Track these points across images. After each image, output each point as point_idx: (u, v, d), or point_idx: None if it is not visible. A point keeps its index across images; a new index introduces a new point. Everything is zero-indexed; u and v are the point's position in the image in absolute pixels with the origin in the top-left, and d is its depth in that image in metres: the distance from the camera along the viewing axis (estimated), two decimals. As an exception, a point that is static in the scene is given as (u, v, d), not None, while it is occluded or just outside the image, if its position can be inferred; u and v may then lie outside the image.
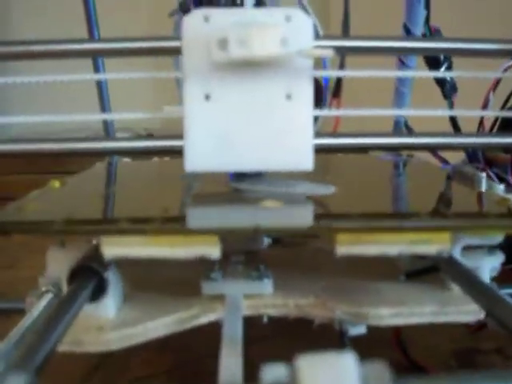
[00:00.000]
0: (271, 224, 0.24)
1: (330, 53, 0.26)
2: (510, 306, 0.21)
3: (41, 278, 0.27)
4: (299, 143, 0.27)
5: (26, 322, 0.23)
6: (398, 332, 0.32)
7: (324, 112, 0.28)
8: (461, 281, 0.25)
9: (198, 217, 0.27)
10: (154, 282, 0.29)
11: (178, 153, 0.27)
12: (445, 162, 0.43)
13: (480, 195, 0.30)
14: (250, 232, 0.22)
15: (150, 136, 1.03)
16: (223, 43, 0.25)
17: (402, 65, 0.46)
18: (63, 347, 0.23)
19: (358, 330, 0.28)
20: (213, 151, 0.27)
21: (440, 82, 0.44)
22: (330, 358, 0.15)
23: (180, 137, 0.27)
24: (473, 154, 0.45)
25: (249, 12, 0.27)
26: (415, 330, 0.34)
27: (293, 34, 0.26)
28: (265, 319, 0.28)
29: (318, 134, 0.27)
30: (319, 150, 0.27)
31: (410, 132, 0.47)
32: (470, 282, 0.24)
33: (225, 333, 0.23)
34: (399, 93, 0.47)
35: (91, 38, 0.44)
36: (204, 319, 0.27)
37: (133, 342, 0.25)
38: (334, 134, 0.29)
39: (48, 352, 0.18)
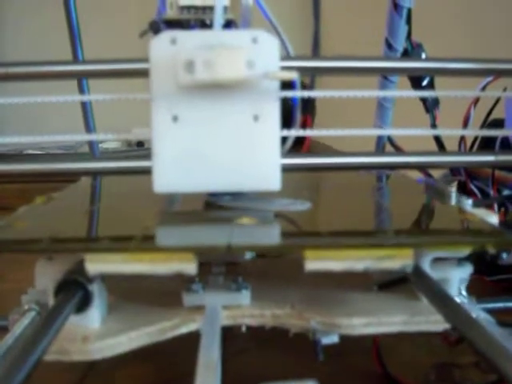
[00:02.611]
0: (243, 242, 0.25)
1: (294, 75, 0.27)
2: (470, 317, 0.23)
3: (23, 295, 0.28)
4: (267, 163, 0.28)
5: (8, 340, 0.24)
6: (377, 346, 0.33)
7: (292, 132, 0.29)
8: (427, 292, 0.26)
9: (174, 234, 0.28)
10: (137, 293, 0.31)
11: (148, 173, 0.28)
12: (428, 175, 0.44)
13: (448, 210, 0.32)
14: (223, 250, 0.23)
15: (139, 144, 1.02)
16: (189, 66, 0.26)
17: (385, 80, 0.48)
18: (50, 356, 0.25)
19: (331, 339, 0.29)
20: (181, 172, 0.28)
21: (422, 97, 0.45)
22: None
23: (148, 157, 0.28)
24: (455, 167, 0.46)
25: (216, 34, 0.28)
26: (394, 344, 0.35)
27: (259, 55, 0.27)
28: (243, 329, 0.30)
29: (286, 154, 0.28)
30: (288, 170, 0.28)
31: (395, 148, 0.48)
32: (435, 294, 0.25)
33: (203, 342, 0.24)
34: (382, 108, 0.48)
35: (76, 56, 0.45)
36: (184, 329, 0.28)
37: (116, 351, 0.27)
38: (302, 154, 0.30)
39: (35, 362, 0.20)
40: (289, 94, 0.28)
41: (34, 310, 0.28)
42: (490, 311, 0.29)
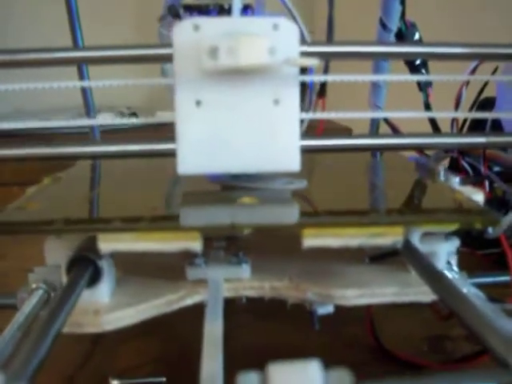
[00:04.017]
0: (246, 221, 0.27)
1: (315, 62, 0.27)
2: (457, 289, 0.24)
3: (31, 274, 0.29)
4: (287, 145, 0.29)
5: (19, 318, 0.26)
6: (371, 319, 0.35)
7: (309, 115, 0.31)
8: (416, 266, 0.28)
9: (181, 214, 0.29)
10: (143, 266, 0.32)
11: (170, 155, 0.29)
12: (421, 152, 0.46)
13: (437, 188, 0.33)
14: (228, 229, 0.25)
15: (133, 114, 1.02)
16: (213, 52, 0.26)
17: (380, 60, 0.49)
18: (65, 329, 0.26)
19: (326, 309, 0.31)
20: (204, 155, 0.29)
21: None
22: (297, 366, 0.17)
23: (172, 140, 0.29)
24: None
25: (238, 21, 0.28)
26: (388, 317, 0.37)
27: (280, 42, 0.27)
28: (243, 300, 0.32)
29: (304, 136, 0.29)
30: (306, 151, 0.29)
31: (390, 127, 0.49)
32: (424, 268, 0.27)
33: (208, 312, 0.26)
34: (376, 87, 0.49)
35: (76, 45, 0.45)
36: (190, 301, 0.30)
37: (126, 322, 0.28)
38: (320, 136, 0.31)
39: (56, 334, 0.21)
40: (308, 78, 0.29)
41: (42, 288, 0.29)
42: (480, 286, 0.30)
